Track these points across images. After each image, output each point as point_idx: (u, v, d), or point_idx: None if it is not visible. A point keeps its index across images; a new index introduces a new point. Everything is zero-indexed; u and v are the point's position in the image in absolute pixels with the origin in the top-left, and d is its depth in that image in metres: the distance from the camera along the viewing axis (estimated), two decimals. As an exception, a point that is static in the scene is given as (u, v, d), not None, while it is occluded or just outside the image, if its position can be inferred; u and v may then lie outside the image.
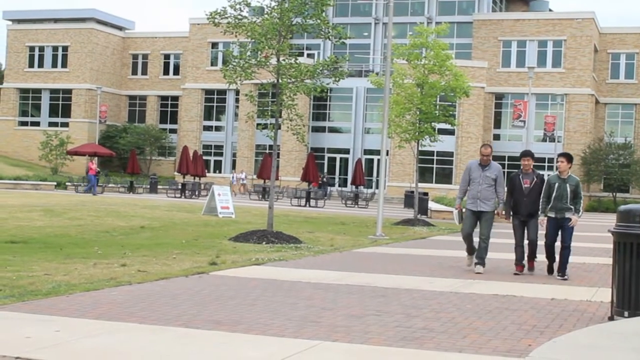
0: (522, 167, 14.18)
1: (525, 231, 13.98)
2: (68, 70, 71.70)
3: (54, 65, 72.62)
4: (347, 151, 62.91)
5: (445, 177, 58.90)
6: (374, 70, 61.28)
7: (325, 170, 61.50)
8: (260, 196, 47.96)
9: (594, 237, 25.02)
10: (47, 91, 72.69)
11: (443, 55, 31.61)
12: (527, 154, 14.25)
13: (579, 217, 13.17)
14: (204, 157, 59.40)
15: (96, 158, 48.32)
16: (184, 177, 49.60)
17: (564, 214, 13.12)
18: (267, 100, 24.50)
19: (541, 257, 14.11)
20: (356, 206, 45.88)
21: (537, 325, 8.67)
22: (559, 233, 13.31)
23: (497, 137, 61.87)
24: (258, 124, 23.92)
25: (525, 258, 13.96)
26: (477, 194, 14.06)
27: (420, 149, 32.44)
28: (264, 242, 18.08)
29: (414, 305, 9.81)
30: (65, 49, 72.07)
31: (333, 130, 64.05)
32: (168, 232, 20.64)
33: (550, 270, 13.64)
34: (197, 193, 47.14)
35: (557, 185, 13.18)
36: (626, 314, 8.63)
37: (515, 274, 13.65)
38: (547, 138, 58.69)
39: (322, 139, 63.33)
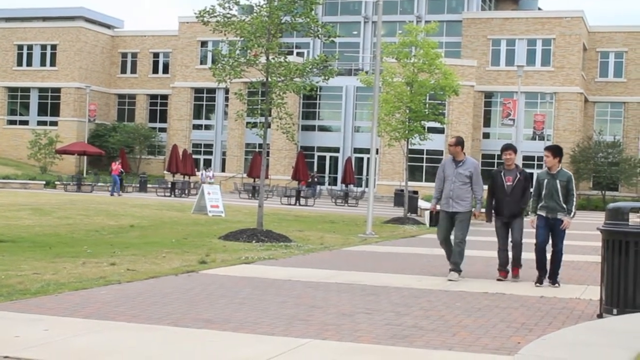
0: (504, 163, 12.88)
1: (510, 233, 12.74)
2: (57, 69, 71.45)
3: (43, 63, 72.33)
4: (337, 150, 62.91)
5: (434, 175, 58.06)
6: (363, 68, 61.26)
7: (315, 168, 61.48)
8: (250, 195, 47.93)
9: (583, 235, 25.09)
10: (36, 90, 72.40)
11: (432, 54, 31.64)
12: (508, 147, 12.93)
13: (571, 219, 11.85)
14: (194, 156, 59.25)
15: (119, 159, 47.34)
16: (173, 176, 49.50)
17: (556, 214, 11.83)
18: (257, 98, 24.48)
19: (528, 257, 12.95)
20: (346, 205, 45.90)
21: (526, 322, 8.69)
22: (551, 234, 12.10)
23: (486, 136, 61.99)
24: (247, 123, 23.87)
25: (510, 263, 12.74)
26: (450, 192, 12.73)
27: (409, 147, 32.46)
28: (253, 241, 18.07)
29: (403, 303, 9.82)
30: (53, 47, 71.81)
31: (323, 128, 64.04)
32: (157, 231, 20.60)
33: (540, 281, 12.01)
34: (186, 192, 47.08)
35: (546, 182, 11.88)
36: (615, 311, 8.65)
37: (499, 279, 12.50)
38: (537, 136, 58.81)
39: (312, 138, 63.31)
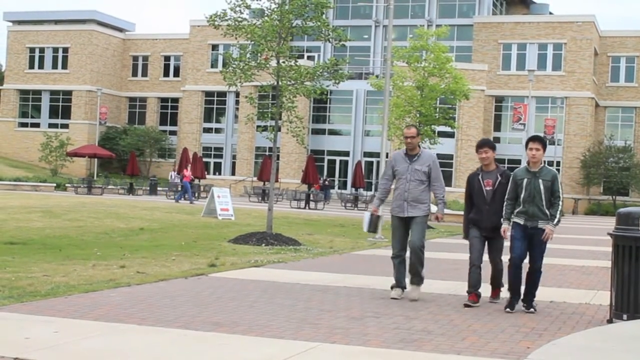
0: (481, 164, 10.46)
1: (487, 251, 10.35)
2: (68, 72, 71.71)
3: (54, 66, 72.62)
4: (346, 153, 62.90)
5: (445, 179, 58.56)
6: (374, 72, 61.28)
7: (325, 172, 61.49)
8: (260, 198, 47.97)
9: (593, 240, 25.05)
10: (47, 92, 72.69)
11: (443, 58, 31.65)
12: (484, 143, 10.46)
13: (555, 227, 9.66)
14: (204, 159, 59.36)
15: (190, 165, 46.07)
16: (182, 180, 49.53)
17: (537, 222, 9.65)
18: (267, 102, 24.51)
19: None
20: (356, 208, 45.87)
21: (535, 327, 8.67)
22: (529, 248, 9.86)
23: (497, 140, 61.79)
24: (258, 126, 24.02)
25: (487, 283, 10.48)
26: (405, 194, 10.50)
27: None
28: (263, 244, 18.08)
29: (412, 307, 9.81)
30: (65, 50, 72.09)
31: (333, 132, 64.07)
32: (167, 233, 20.63)
33: (511, 305, 9.75)
34: (196, 195, 47.15)
35: (525, 182, 9.70)
36: (625, 316, 8.63)
37: (467, 305, 9.98)
38: (547, 141, 58.45)
39: (322, 141, 63.33)
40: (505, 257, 10.02)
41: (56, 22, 74.38)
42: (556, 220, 9.64)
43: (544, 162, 9.88)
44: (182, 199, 41.83)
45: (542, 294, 11.45)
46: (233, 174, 65.54)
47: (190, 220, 25.66)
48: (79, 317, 8.29)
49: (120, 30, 75.49)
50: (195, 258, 14.72)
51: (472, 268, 10.17)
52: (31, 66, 73.35)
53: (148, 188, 53.61)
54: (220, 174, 67.69)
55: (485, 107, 60.17)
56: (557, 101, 59.81)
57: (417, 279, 10.56)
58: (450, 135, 54.19)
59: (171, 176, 55.76)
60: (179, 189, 45.50)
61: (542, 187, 9.64)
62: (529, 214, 9.67)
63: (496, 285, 10.49)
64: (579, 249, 21.36)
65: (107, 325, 7.91)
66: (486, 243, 10.29)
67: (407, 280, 10.63)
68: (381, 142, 25.40)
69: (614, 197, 59.70)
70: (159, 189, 53.38)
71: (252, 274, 12.79)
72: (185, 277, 11.87)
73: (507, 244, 10.01)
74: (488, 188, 10.16)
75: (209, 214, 27.94)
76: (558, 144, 58.52)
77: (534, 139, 9.88)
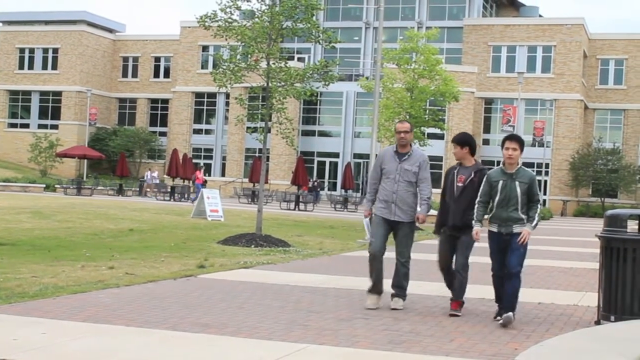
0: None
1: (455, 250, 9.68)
2: (58, 73, 71.51)
3: (44, 67, 72.40)
4: (336, 155, 62.92)
5: (434, 181, 57.31)
6: (364, 74, 61.34)
7: (315, 174, 61.50)
8: (250, 199, 47.92)
9: (581, 242, 25.14)
10: (37, 93, 72.46)
11: (433, 60, 31.74)
12: (461, 140, 9.84)
13: (532, 229, 8.98)
14: (194, 160, 59.29)
15: (203, 167, 45.36)
16: (173, 180, 49.51)
17: (512, 227, 8.93)
18: (257, 103, 24.52)
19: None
20: (345, 210, 45.88)
21: (524, 329, 8.69)
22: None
23: (486, 142, 61.98)
24: (248, 128, 24.01)
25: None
26: (393, 195, 9.81)
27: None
28: (252, 246, 18.07)
29: (401, 308, 9.81)
30: (55, 51, 71.89)
31: (323, 134, 64.08)
32: (157, 235, 20.61)
33: (500, 314, 9.07)
34: (186, 196, 47.08)
35: (501, 184, 9.01)
36: (612, 318, 8.67)
37: (452, 314, 9.44)
38: (537, 143, 58.84)
39: (312, 143, 63.34)
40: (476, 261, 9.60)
41: (46, 22, 74.17)
42: (534, 222, 8.97)
43: (520, 163, 9.23)
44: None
45: (530, 295, 11.50)
46: (223, 175, 65.48)
47: (179, 221, 25.63)
48: (68, 318, 8.28)
49: (111, 31, 75.33)
50: (185, 259, 14.71)
51: (444, 272, 9.86)
52: (21, 67, 73.11)
53: (138, 189, 53.51)
54: (210, 175, 67.59)
55: (474, 109, 60.28)
56: (547, 103, 59.97)
57: (402, 293, 9.94)
58: (440, 137, 54.26)
59: (146, 176, 55.28)
60: (169, 189, 45.47)
61: (518, 190, 8.95)
62: (502, 218, 8.99)
63: (458, 295, 9.56)
64: (567, 250, 21.43)
65: (96, 327, 7.91)
66: (453, 243, 9.66)
67: (391, 290, 9.95)
68: (371, 143, 25.43)
69: (602, 199, 59.90)
70: (148, 189, 53.28)
71: (242, 275, 12.79)
72: (174, 278, 11.87)
73: (477, 244, 9.48)
74: (459, 184, 9.56)
75: (199, 215, 27.91)
76: (547, 146, 58.68)
77: (510, 138, 9.19)
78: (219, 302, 9.81)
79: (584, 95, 61.98)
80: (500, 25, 63.21)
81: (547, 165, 58.78)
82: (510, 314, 8.83)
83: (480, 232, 9.16)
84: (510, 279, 8.97)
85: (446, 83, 31.52)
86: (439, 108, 37.79)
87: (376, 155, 24.45)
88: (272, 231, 21.65)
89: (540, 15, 67.98)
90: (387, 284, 10.08)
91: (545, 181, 59.51)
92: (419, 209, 9.93)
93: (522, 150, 9.08)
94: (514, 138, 9.18)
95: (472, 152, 9.80)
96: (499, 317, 9.02)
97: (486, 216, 9.27)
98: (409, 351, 7.35)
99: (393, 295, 9.87)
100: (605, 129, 63.78)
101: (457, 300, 9.53)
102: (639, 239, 8.65)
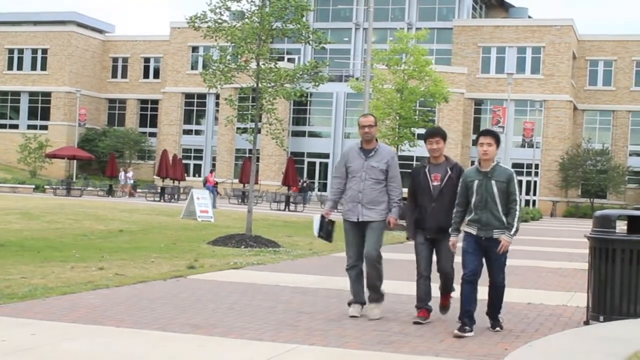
0: (430, 155, 9.07)
1: (436, 257, 9.05)
2: (47, 73, 71.32)
3: (33, 68, 72.22)
4: (327, 156, 62.94)
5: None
6: (354, 75, 61.42)
7: (305, 174, 61.50)
8: (240, 200, 47.89)
9: (571, 243, 25.21)
10: (26, 94, 72.26)
11: (423, 61, 31.80)
12: (434, 133, 9.06)
13: (511, 237, 8.25)
14: (184, 161, 59.22)
15: (215, 169, 44.22)
16: (163, 181, 49.44)
17: (492, 231, 8.27)
18: (247, 104, 24.50)
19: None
20: (336, 210, 45.77)
21: (513, 329, 8.71)
22: (484, 262, 8.49)
23: (476, 143, 62.05)
24: (238, 128, 24.00)
25: (436, 294, 9.13)
26: (359, 195, 9.15)
27: (399, 154, 32.53)
28: (242, 246, 18.06)
29: (391, 309, 9.81)
30: (44, 51, 71.71)
31: (313, 134, 64.12)
32: (146, 235, 20.57)
33: (462, 329, 8.17)
34: (176, 197, 47.02)
35: (476, 184, 8.32)
36: (601, 318, 8.69)
37: (416, 322, 8.82)
38: (526, 144, 59.03)
39: (302, 144, 63.35)
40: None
41: (35, 23, 73.96)
42: (514, 229, 8.24)
43: (497, 160, 8.52)
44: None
45: (520, 295, 11.52)
46: (213, 176, 65.40)
47: (169, 222, 25.59)
48: (57, 320, 8.25)
49: (100, 31, 75.18)
50: (175, 260, 14.69)
51: (419, 280, 8.97)
52: (10, 67, 72.89)
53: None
54: (200, 175, 67.46)
55: (464, 110, 60.41)
56: (536, 104, 60.16)
57: (377, 296, 9.26)
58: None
59: (120, 176, 54.94)
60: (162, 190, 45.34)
61: (495, 189, 8.24)
62: (482, 222, 8.27)
63: (446, 290, 9.11)
64: (556, 251, 21.50)
65: (85, 328, 7.89)
66: (433, 248, 8.97)
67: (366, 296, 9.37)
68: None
69: (591, 199, 60.13)
70: (138, 190, 53.18)
71: (231, 275, 12.78)
72: (164, 279, 11.85)
73: (457, 259, 8.72)
74: (435, 183, 8.79)
75: (189, 215, 27.87)
76: (537, 147, 58.85)
77: (485, 133, 8.53)
78: (208, 302, 9.80)
79: (573, 96, 62.20)
80: (490, 26, 63.37)
81: (536, 166, 58.95)
82: (499, 327, 8.57)
83: (456, 244, 8.54)
84: (494, 288, 8.58)
85: (436, 84, 31.58)
86: (429, 109, 37.84)
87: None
88: (262, 232, 21.64)
89: (529, 17, 68.20)
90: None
91: (535, 182, 59.71)
92: (391, 211, 9.17)
93: (498, 145, 8.42)
94: (488, 133, 8.55)
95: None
96: (459, 332, 8.13)
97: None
98: (398, 351, 7.36)
99: (370, 300, 9.26)
100: (594, 130, 64.06)
101: (448, 294, 9.16)
102: (628, 240, 8.67)
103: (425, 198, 8.85)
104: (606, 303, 8.68)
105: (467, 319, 8.23)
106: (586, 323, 8.93)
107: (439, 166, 8.89)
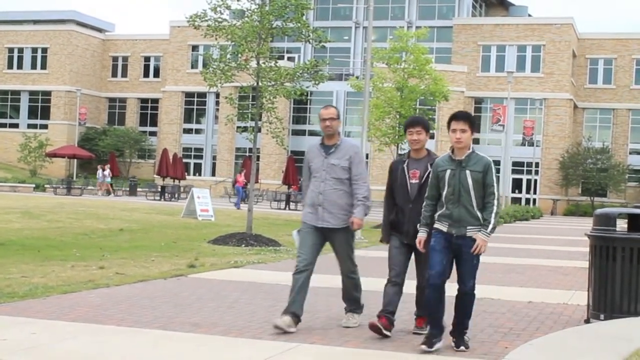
0: (409, 149, 8.01)
1: (415, 269, 8.06)
2: (47, 72, 71.32)
3: (33, 67, 72.21)
4: (327, 154, 62.84)
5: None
6: (354, 73, 61.40)
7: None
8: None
9: (571, 241, 25.20)
10: (26, 93, 72.25)
11: (423, 60, 31.74)
12: (416, 121, 7.97)
13: (488, 236, 7.17)
14: (184, 160, 59.25)
15: (244, 170, 42.85)
16: (163, 180, 49.45)
17: (465, 228, 7.19)
18: (247, 103, 24.50)
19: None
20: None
21: (513, 328, 8.71)
22: (454, 263, 7.39)
23: (476, 142, 62.02)
24: (238, 127, 23.95)
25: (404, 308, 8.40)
26: (319, 196, 8.12)
27: (399, 152, 32.51)
28: (243, 245, 18.07)
29: (392, 308, 9.81)
30: (44, 50, 71.70)
31: (313, 133, 64.05)
32: (147, 234, 20.58)
33: (429, 343, 7.19)
34: (176, 196, 47.03)
35: (449, 174, 7.22)
36: (602, 316, 8.69)
37: (375, 329, 7.76)
38: (526, 142, 59.02)
39: (302, 142, 63.26)
40: None
41: (35, 22, 73.96)
42: (490, 226, 7.15)
43: (473, 148, 7.36)
44: (242, 203, 39.43)
45: (520, 294, 11.52)
46: (213, 174, 65.42)
47: (170, 221, 25.60)
48: (57, 319, 8.25)
49: (100, 30, 75.17)
50: (175, 259, 14.69)
51: (387, 285, 7.99)
52: (10, 66, 72.88)
53: (128, 189, 53.40)
54: (200, 174, 67.56)
55: (464, 108, 60.25)
56: (536, 102, 60.15)
57: (355, 306, 8.51)
58: (430, 136, 54.25)
59: (98, 174, 54.63)
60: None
61: (470, 180, 7.14)
62: (453, 217, 7.19)
63: (423, 312, 7.98)
64: (557, 249, 21.49)
65: (86, 327, 7.88)
66: (412, 254, 7.96)
67: (343, 305, 8.74)
68: (361, 143, 25.41)
69: (592, 198, 60.11)
70: (138, 189, 53.20)
71: (232, 274, 12.78)
72: (164, 278, 11.84)
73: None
74: (414, 181, 7.76)
75: (189, 214, 27.89)
76: (537, 145, 58.84)
77: (457, 117, 7.33)
78: (209, 301, 9.79)
79: (573, 94, 62.18)
80: (490, 24, 63.35)
81: (536, 165, 58.93)
82: (463, 346, 7.33)
83: (427, 242, 7.42)
84: (461, 296, 7.38)
85: (436, 82, 31.54)
86: (429, 107, 37.84)
87: (367, 154, 24.47)
88: (263, 230, 21.65)
89: (529, 15, 68.17)
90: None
91: (535, 180, 59.69)
92: (356, 210, 8.13)
93: (473, 130, 7.31)
94: (461, 117, 7.33)
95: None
96: (426, 347, 7.16)
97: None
98: (399, 350, 7.35)
99: (346, 310, 8.52)
100: (594, 128, 64.05)
101: (424, 317, 7.99)
102: (629, 238, 8.67)
103: (402, 197, 7.84)
104: (607, 301, 8.68)
105: (435, 329, 7.27)
106: (587, 321, 8.93)
107: (420, 162, 7.82)
